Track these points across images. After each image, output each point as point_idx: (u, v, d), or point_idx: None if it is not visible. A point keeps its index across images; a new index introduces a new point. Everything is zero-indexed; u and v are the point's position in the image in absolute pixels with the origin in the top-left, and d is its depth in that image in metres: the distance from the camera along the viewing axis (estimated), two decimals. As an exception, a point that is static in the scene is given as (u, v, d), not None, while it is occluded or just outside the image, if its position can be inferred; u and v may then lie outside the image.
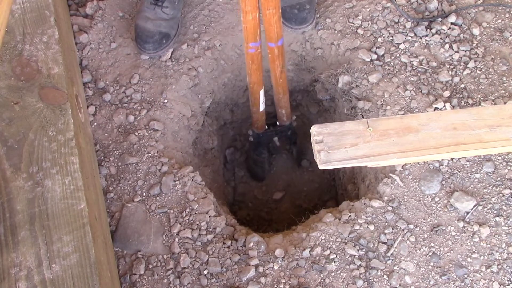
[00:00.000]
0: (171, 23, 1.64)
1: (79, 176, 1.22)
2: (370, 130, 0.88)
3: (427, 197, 1.36)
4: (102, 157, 1.47)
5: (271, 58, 1.42)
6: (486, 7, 1.63)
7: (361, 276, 1.27)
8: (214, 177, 1.93)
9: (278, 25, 1.29)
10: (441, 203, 1.35)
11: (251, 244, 1.34)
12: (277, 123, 1.89)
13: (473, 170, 1.38)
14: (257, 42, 1.32)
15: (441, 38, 1.58)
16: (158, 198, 1.41)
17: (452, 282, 1.26)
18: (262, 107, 1.66)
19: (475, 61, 1.53)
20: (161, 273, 1.30)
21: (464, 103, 1.47)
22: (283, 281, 1.27)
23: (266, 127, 1.89)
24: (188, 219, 1.37)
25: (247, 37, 1.30)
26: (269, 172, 2.28)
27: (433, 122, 0.88)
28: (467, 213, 1.33)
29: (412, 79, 1.53)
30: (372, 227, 1.33)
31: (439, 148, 0.86)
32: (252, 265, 1.30)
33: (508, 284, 1.25)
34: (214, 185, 1.86)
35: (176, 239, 1.34)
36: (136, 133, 1.50)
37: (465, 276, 1.26)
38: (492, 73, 1.51)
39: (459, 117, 0.89)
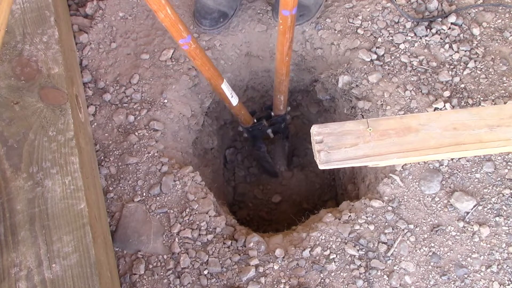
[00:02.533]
0: (231, 2, 1.66)
1: (79, 176, 1.22)
2: (370, 130, 0.88)
3: (427, 197, 1.36)
4: (102, 157, 1.47)
5: (281, 30, 1.23)
6: (486, 7, 1.63)
7: (361, 276, 1.27)
8: (214, 177, 1.93)
9: None
10: (441, 203, 1.35)
11: (251, 244, 1.34)
12: (272, 114, 1.82)
13: (473, 170, 1.38)
14: (186, 38, 1.21)
15: (441, 38, 1.58)
16: (158, 198, 1.41)
17: (452, 282, 1.26)
18: (234, 102, 1.56)
19: (475, 61, 1.53)
20: (161, 273, 1.30)
21: (464, 103, 1.47)
22: (283, 281, 1.27)
23: (255, 120, 1.82)
24: (188, 219, 1.37)
25: (173, 36, 1.21)
26: (280, 165, 2.23)
27: (433, 122, 0.89)
28: (467, 213, 1.33)
29: (412, 79, 1.53)
30: (372, 227, 1.33)
31: (439, 148, 0.86)
32: (252, 265, 1.30)
33: (508, 284, 1.25)
34: (214, 185, 1.86)
35: (176, 239, 1.34)
36: (136, 133, 1.50)
37: (465, 276, 1.26)
38: (492, 73, 1.51)
39: (459, 117, 0.89)
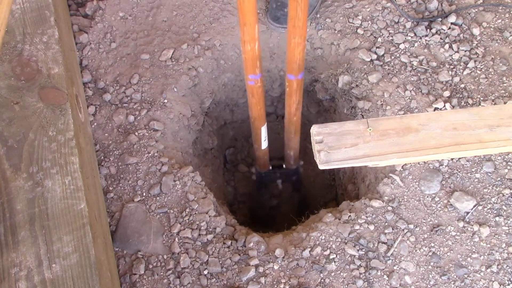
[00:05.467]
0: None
1: (79, 176, 1.22)
2: (370, 130, 0.88)
3: (427, 197, 1.36)
4: (102, 157, 1.47)
5: (288, 92, 1.30)
6: (486, 7, 1.63)
7: (361, 276, 1.27)
8: (214, 177, 1.93)
9: (301, 57, 1.17)
10: (441, 203, 1.35)
11: (251, 244, 1.34)
12: (283, 166, 1.80)
13: (473, 170, 1.38)
14: (257, 75, 1.22)
15: (441, 38, 1.58)
16: (158, 198, 1.41)
17: (452, 282, 1.26)
18: (264, 145, 1.57)
19: (475, 61, 1.53)
20: (161, 273, 1.30)
21: (464, 103, 1.47)
22: (283, 281, 1.27)
23: (271, 167, 1.80)
24: (188, 219, 1.37)
25: (246, 69, 1.21)
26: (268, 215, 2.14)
27: (433, 122, 0.89)
28: (467, 213, 1.33)
29: (412, 79, 1.53)
30: (372, 227, 1.33)
31: (439, 148, 0.86)
32: (252, 265, 1.30)
33: (508, 284, 1.25)
34: (214, 185, 1.86)
35: (176, 239, 1.34)
36: (136, 133, 1.50)
37: (465, 276, 1.26)
38: (492, 73, 1.51)
39: (459, 117, 0.89)
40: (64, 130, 1.28)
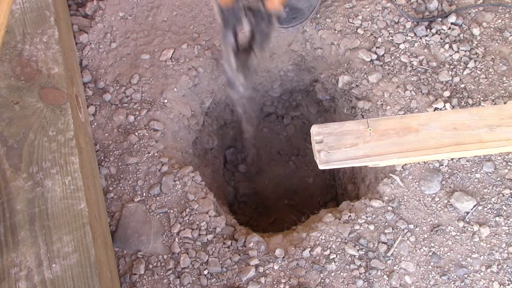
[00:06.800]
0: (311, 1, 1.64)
1: (79, 176, 1.22)
2: (370, 130, 0.88)
3: (427, 197, 1.36)
4: (102, 157, 1.47)
5: None
6: (486, 7, 1.63)
7: (361, 276, 1.27)
8: (214, 177, 1.93)
9: None
10: (441, 203, 1.35)
11: (251, 244, 1.34)
12: (264, 4, 1.39)
13: (473, 170, 1.38)
14: None
15: (441, 38, 1.58)
16: (158, 198, 1.41)
17: (452, 282, 1.26)
18: None
19: (475, 61, 1.53)
20: (161, 273, 1.30)
21: (464, 103, 1.47)
22: (283, 281, 1.27)
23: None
24: (188, 219, 1.37)
25: None
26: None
27: (433, 122, 0.89)
28: (467, 213, 1.33)
29: (412, 79, 1.53)
30: (372, 227, 1.33)
31: (439, 148, 0.86)
32: (252, 265, 1.30)
33: (508, 284, 1.25)
34: (214, 185, 1.86)
35: (176, 239, 1.34)
36: (136, 133, 1.50)
37: (465, 276, 1.26)
38: (492, 73, 1.51)
39: (459, 117, 0.89)
40: (64, 130, 1.28)
